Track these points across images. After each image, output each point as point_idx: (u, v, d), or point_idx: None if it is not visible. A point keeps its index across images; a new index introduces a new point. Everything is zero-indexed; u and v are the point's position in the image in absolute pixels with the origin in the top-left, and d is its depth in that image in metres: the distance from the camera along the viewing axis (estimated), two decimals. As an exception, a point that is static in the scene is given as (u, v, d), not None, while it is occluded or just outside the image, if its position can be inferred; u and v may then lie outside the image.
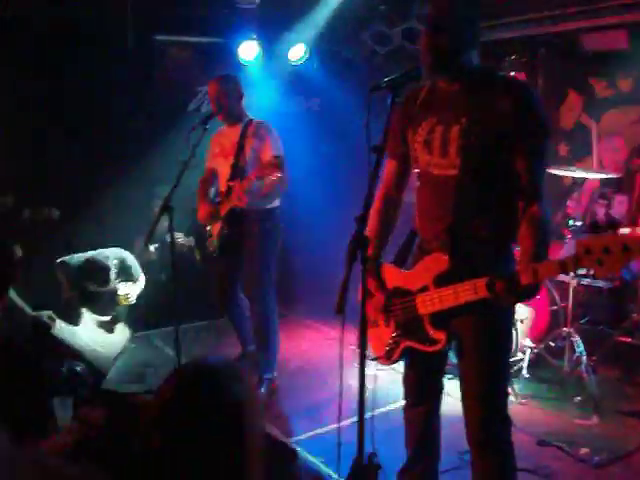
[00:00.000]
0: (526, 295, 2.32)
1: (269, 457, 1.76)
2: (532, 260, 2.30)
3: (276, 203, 4.54)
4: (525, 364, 4.54)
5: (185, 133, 4.16)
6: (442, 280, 2.48)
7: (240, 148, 4.40)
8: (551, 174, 4.67)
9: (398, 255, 2.81)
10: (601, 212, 5.10)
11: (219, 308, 4.96)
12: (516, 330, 4.49)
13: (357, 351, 2.20)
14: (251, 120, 4.48)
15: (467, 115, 2.42)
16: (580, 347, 4.63)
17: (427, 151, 2.53)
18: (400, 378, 4.58)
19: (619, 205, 5.23)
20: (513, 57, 5.72)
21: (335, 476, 3.33)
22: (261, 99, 5.11)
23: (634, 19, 4.92)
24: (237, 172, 4.36)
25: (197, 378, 1.41)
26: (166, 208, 3.76)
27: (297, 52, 6.08)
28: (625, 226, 4.79)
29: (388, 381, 4.82)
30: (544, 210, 2.42)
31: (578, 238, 2.19)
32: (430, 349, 2.59)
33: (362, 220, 2.12)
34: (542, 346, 4.74)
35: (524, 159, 2.40)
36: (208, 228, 4.61)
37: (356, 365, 2.22)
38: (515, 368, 4.68)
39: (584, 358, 4.58)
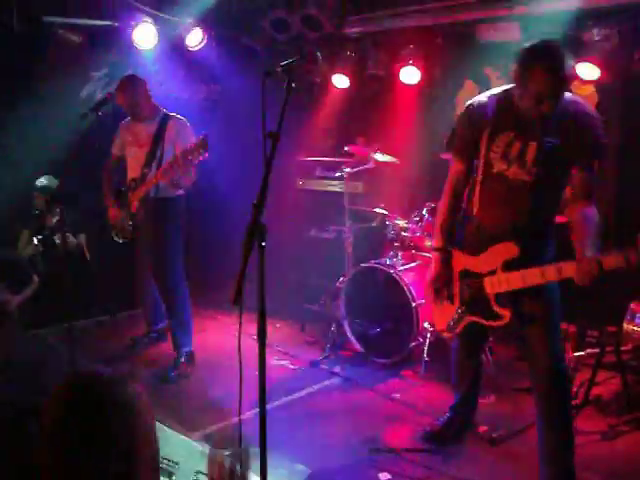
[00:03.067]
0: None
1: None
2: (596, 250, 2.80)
3: (181, 191, 4.75)
4: (426, 347, 4.63)
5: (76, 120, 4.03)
6: (510, 265, 2.99)
7: (157, 140, 4.61)
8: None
9: (458, 239, 3.31)
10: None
11: (137, 292, 5.16)
12: (416, 314, 4.58)
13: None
14: (167, 115, 4.69)
15: (541, 134, 2.92)
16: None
17: (504, 161, 3.02)
18: (300, 367, 4.60)
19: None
20: (411, 46, 5.79)
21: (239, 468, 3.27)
22: (159, 85, 4.95)
23: (526, 12, 5.08)
24: (152, 160, 4.58)
25: (88, 394, 1.36)
26: (57, 201, 3.67)
27: (195, 38, 5.93)
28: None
29: (290, 371, 4.84)
30: (595, 211, 2.96)
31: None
32: (495, 324, 3.13)
33: (258, 207, 2.08)
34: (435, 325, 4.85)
35: (583, 172, 2.95)
36: (130, 222, 4.76)
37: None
38: (416, 351, 4.78)
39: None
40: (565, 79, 2.83)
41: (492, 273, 3.07)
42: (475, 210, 3.18)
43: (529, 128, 2.95)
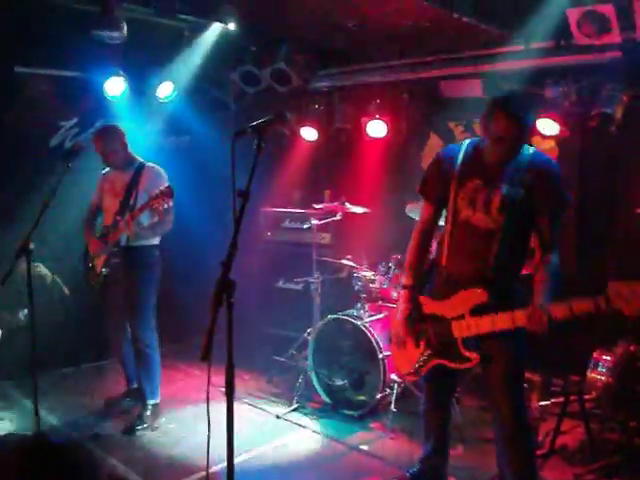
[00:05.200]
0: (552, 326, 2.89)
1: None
2: (549, 299, 2.93)
3: (155, 241, 4.75)
4: (393, 398, 4.64)
5: (46, 169, 4.03)
6: (478, 310, 3.08)
7: (132, 188, 4.61)
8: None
9: (427, 287, 3.40)
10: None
11: (111, 343, 4.99)
12: (384, 365, 4.60)
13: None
14: (143, 164, 4.72)
15: (505, 182, 3.07)
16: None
17: (471, 207, 3.14)
18: (268, 419, 4.54)
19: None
20: (377, 101, 5.94)
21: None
22: (129, 136, 4.98)
23: (487, 69, 5.28)
24: (125, 208, 4.57)
25: (42, 461, 1.34)
26: (24, 250, 3.68)
27: (165, 90, 6.02)
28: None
29: (258, 423, 4.79)
30: (557, 261, 3.10)
31: (611, 282, 2.72)
32: (462, 366, 3.21)
33: (227, 266, 2.11)
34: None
35: (546, 220, 3.10)
36: (90, 265, 4.73)
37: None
38: (383, 403, 4.78)
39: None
40: (523, 125, 2.98)
41: (460, 318, 3.15)
42: (444, 260, 3.27)
43: (495, 177, 3.10)
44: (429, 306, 3.33)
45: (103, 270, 4.65)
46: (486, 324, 3.05)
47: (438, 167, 3.34)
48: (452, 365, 3.24)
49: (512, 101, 3.02)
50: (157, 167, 4.74)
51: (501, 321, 3.00)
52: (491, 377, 3.22)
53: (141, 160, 4.77)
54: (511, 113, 2.95)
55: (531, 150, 3.17)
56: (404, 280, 3.46)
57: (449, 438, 3.73)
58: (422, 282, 3.42)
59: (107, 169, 4.82)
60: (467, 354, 3.16)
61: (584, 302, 2.78)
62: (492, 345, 3.13)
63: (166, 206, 4.38)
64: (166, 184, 4.44)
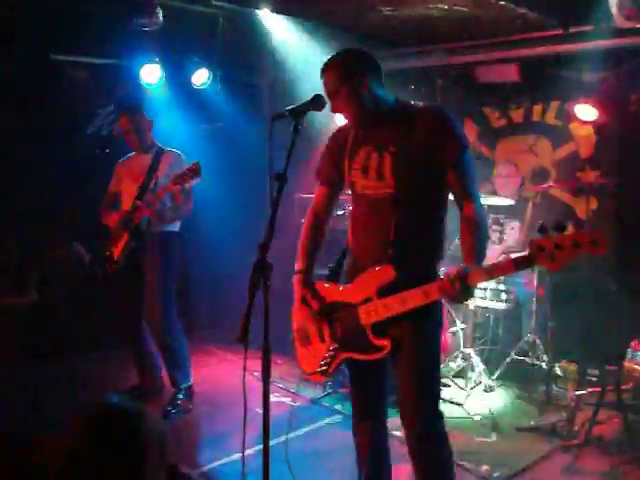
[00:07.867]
0: (473, 293, 2.49)
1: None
2: (475, 260, 2.50)
3: (175, 227, 4.72)
4: (427, 385, 4.62)
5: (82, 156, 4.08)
6: (386, 290, 2.61)
7: (151, 172, 4.59)
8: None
9: (331, 273, 2.92)
10: (494, 237, 5.27)
11: (126, 330, 4.88)
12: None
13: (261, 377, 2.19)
14: (162, 149, 4.70)
15: (395, 143, 2.66)
16: (479, 367, 4.79)
17: (363, 175, 2.72)
18: (301, 404, 4.54)
19: (510, 231, 5.47)
20: (412, 87, 5.90)
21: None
22: (164, 122, 5.03)
23: (524, 54, 5.21)
24: (144, 192, 4.54)
25: (105, 422, 1.36)
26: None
27: (200, 76, 6.05)
28: (517, 251, 4.99)
29: (291, 408, 4.82)
30: (478, 210, 2.64)
31: (531, 238, 2.33)
32: (374, 356, 2.69)
33: (264, 247, 2.12)
34: (443, 367, 4.85)
35: (451, 171, 2.63)
36: (108, 253, 4.66)
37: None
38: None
39: (483, 378, 4.74)
40: (334, 70, 2.67)
41: (368, 301, 2.69)
42: (350, 241, 2.87)
43: (384, 139, 2.71)
44: (334, 294, 2.84)
45: (121, 255, 4.61)
46: (396, 304, 2.58)
47: (330, 143, 2.97)
48: (362, 357, 2.75)
49: (330, 58, 2.71)
50: (176, 151, 4.72)
51: (412, 298, 2.54)
52: (399, 368, 2.76)
53: (160, 145, 4.76)
54: (324, 66, 2.69)
55: (419, 105, 2.88)
56: (295, 265, 2.99)
57: (388, 465, 3.11)
58: (334, 271, 2.94)
59: (128, 154, 4.80)
60: (377, 342, 2.67)
61: (504, 264, 2.43)
62: (402, 330, 2.67)
63: (193, 182, 4.29)
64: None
